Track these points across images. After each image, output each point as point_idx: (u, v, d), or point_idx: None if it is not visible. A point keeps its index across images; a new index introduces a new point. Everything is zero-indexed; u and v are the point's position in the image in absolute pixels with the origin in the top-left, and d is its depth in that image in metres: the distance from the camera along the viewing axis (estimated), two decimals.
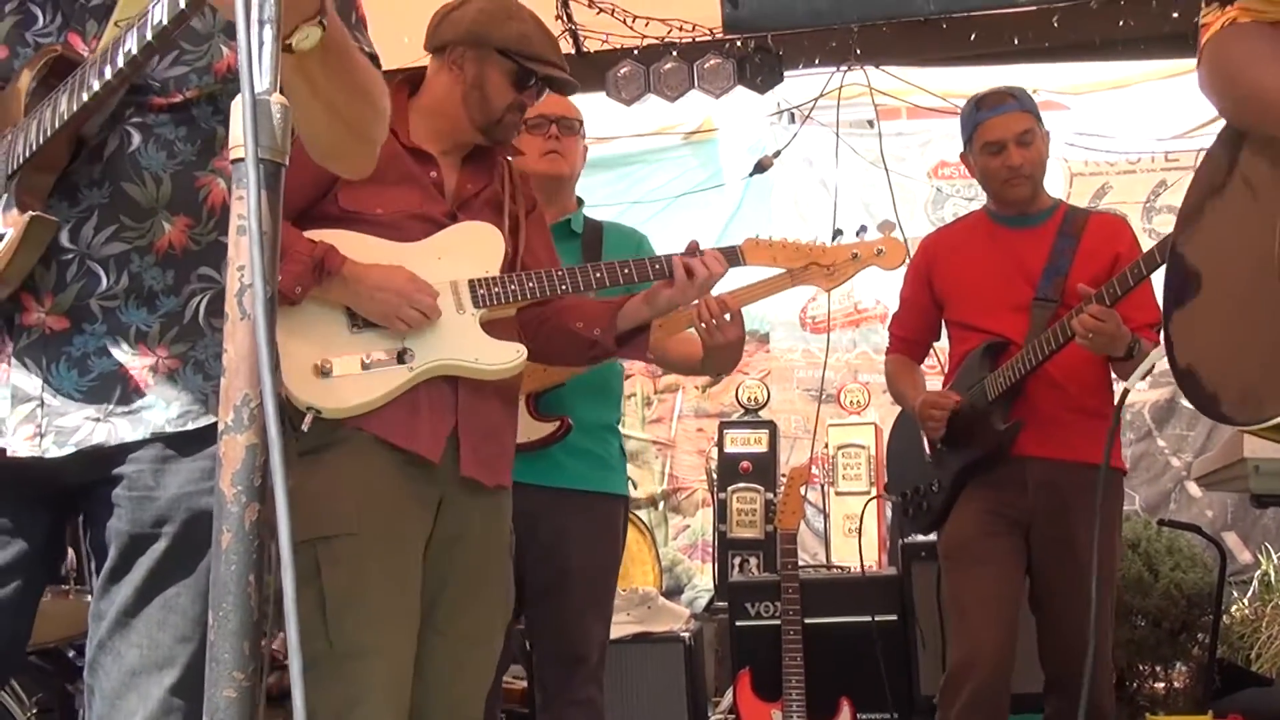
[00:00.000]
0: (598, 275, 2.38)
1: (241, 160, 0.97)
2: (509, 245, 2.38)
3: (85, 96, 1.36)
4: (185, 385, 1.53)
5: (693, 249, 2.41)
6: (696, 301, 2.45)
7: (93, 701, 1.53)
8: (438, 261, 2.27)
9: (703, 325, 2.48)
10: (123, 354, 1.51)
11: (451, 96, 2.38)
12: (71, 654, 3.44)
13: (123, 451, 1.51)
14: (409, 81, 2.45)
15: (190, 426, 1.52)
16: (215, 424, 1.45)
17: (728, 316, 2.47)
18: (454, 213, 2.34)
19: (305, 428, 2.11)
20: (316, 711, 2.04)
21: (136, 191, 1.50)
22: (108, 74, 1.33)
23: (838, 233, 2.61)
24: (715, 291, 2.46)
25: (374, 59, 1.63)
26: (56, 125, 1.41)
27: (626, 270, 2.39)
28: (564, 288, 2.35)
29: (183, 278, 1.54)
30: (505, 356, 2.28)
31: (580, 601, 2.99)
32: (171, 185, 1.52)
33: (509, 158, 2.50)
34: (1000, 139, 3.15)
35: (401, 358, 2.19)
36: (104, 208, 1.50)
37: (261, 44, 1.01)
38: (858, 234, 2.59)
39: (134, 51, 1.26)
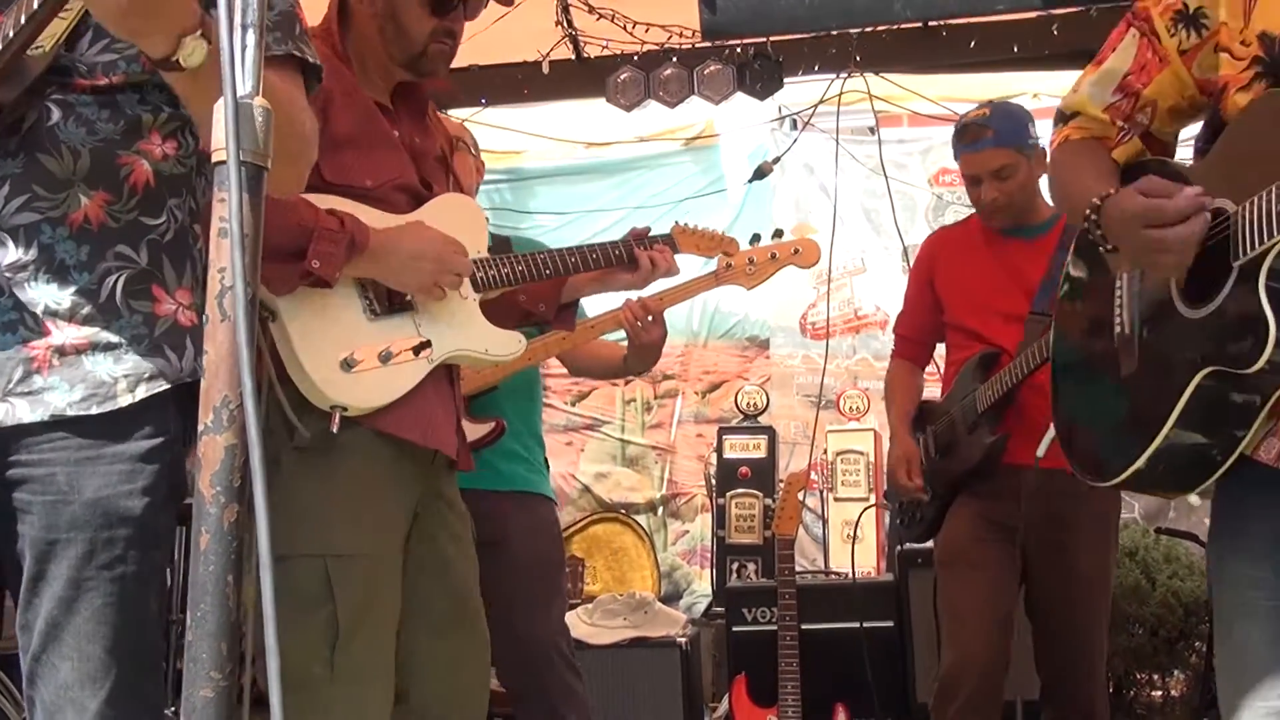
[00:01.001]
0: (573, 260, 2.43)
1: (223, 163, 0.97)
2: None
3: None
4: (93, 368, 1.48)
5: (640, 234, 2.53)
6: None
7: (34, 713, 1.49)
8: None
9: (630, 326, 2.78)
10: (29, 331, 1.47)
11: (370, 33, 2.17)
12: None
13: (21, 435, 1.46)
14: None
15: (95, 411, 1.47)
16: (128, 409, 1.45)
17: (650, 318, 2.76)
18: (425, 179, 2.23)
19: (335, 428, 1.98)
20: None
21: (52, 163, 1.47)
22: (22, 19, 1.31)
23: (755, 236, 2.73)
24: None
25: (316, 70, 1.59)
26: None
27: (595, 255, 2.46)
28: (548, 272, 2.38)
29: (97, 254, 1.50)
30: (511, 347, 2.24)
31: (529, 596, 3.01)
32: (90, 160, 1.49)
33: (471, 127, 2.44)
34: (976, 174, 3.19)
35: (419, 350, 2.09)
36: (16, 178, 1.47)
37: (245, 47, 1.01)
38: (774, 236, 2.72)
39: None
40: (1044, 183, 3.43)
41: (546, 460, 3.30)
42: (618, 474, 6.42)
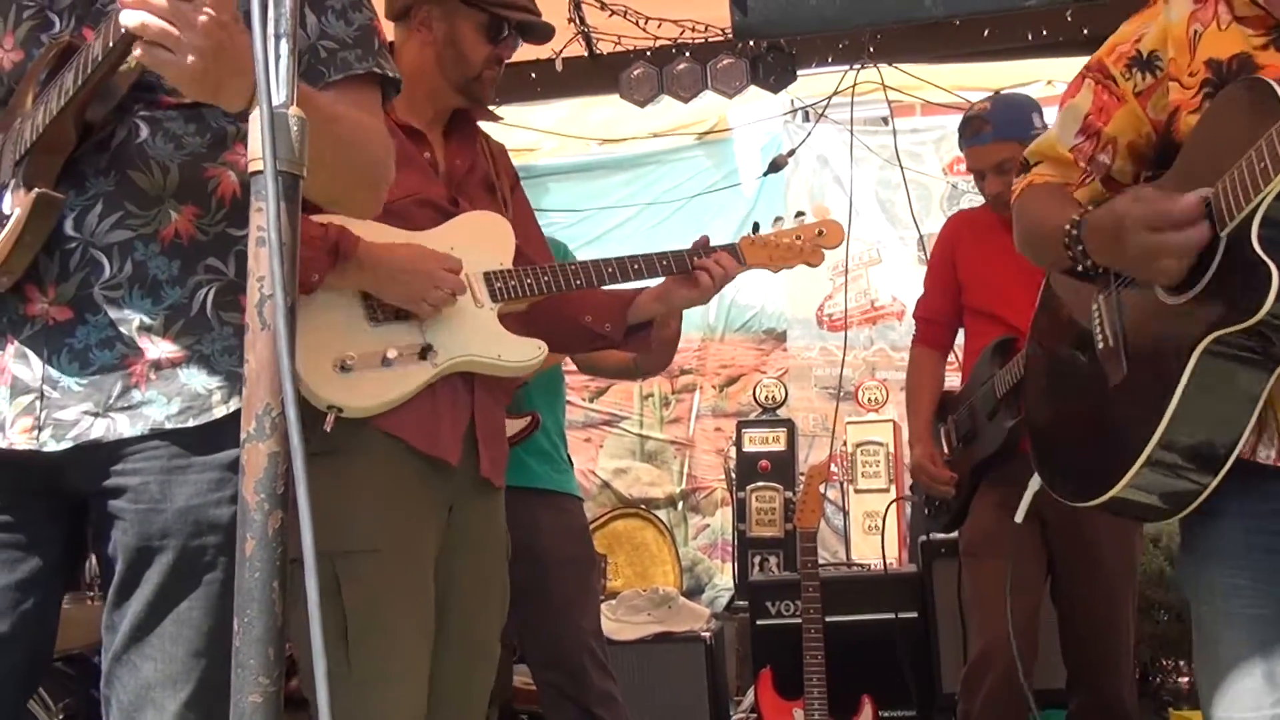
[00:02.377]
0: (609, 270, 2.35)
1: (260, 173, 0.98)
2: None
3: (89, 70, 1.36)
4: (188, 381, 1.51)
5: (703, 244, 2.41)
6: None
7: (109, 712, 1.54)
8: (451, 252, 2.20)
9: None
10: (125, 347, 1.50)
11: (425, 60, 2.29)
12: (96, 659, 3.47)
13: (122, 449, 1.50)
14: None
15: (191, 423, 1.50)
16: (221, 421, 1.49)
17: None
18: (454, 197, 2.28)
19: (328, 428, 2.02)
20: None
21: (143, 179, 1.49)
22: (111, 41, 1.32)
23: (777, 219, 2.64)
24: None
25: (395, 83, 1.64)
26: (62, 103, 1.40)
27: (636, 265, 2.36)
28: (578, 282, 2.32)
29: (189, 268, 1.53)
30: (527, 353, 2.24)
31: (562, 598, 3.02)
32: (179, 174, 1.51)
33: (484, 128, 2.44)
34: (978, 168, 3.22)
35: (424, 354, 2.12)
36: (109, 195, 1.50)
37: (278, 58, 1.02)
38: (796, 217, 2.64)
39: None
40: None
41: (570, 457, 3.31)
42: (637, 469, 6.43)
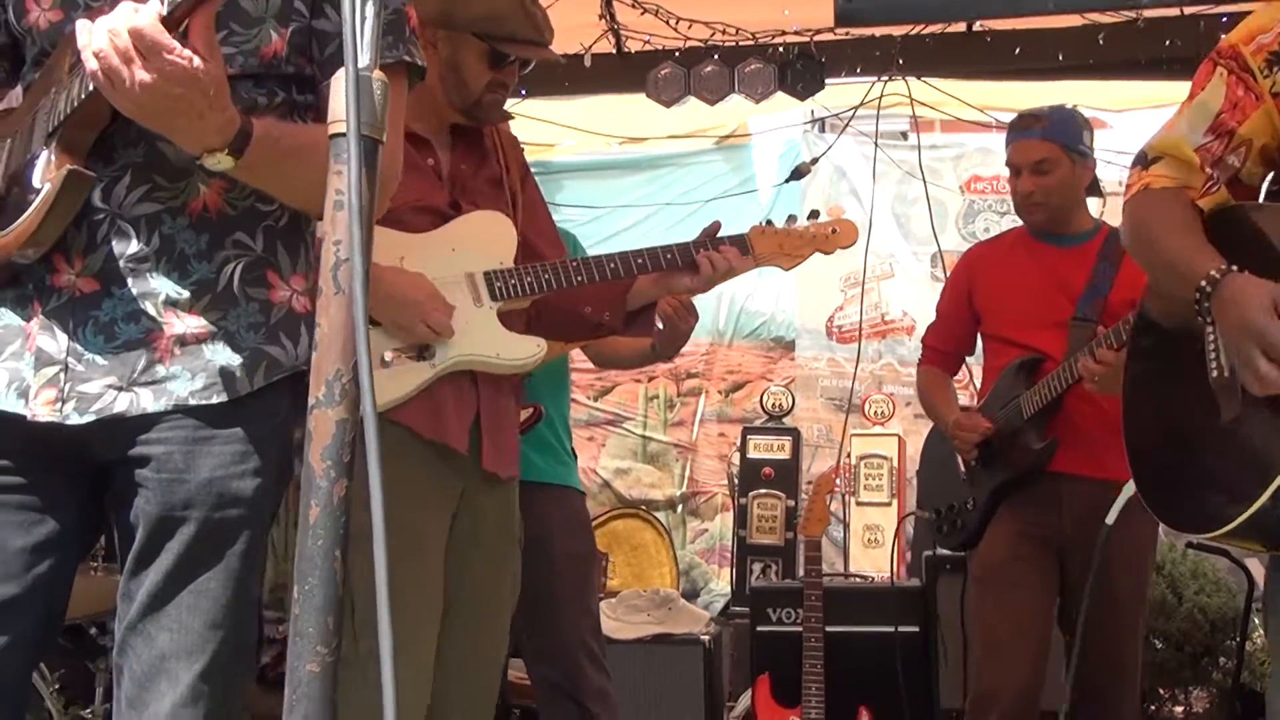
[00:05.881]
0: (611, 266, 2.33)
1: (342, 135, 0.97)
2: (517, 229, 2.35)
3: None
4: (213, 357, 1.50)
5: (713, 231, 2.40)
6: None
7: (121, 681, 1.52)
8: (451, 253, 2.23)
9: (667, 317, 2.70)
10: (151, 321, 1.49)
11: (430, 77, 2.25)
12: (94, 631, 3.45)
13: (146, 423, 1.49)
14: None
15: (215, 400, 1.50)
16: (243, 398, 1.49)
17: (684, 308, 2.71)
18: (455, 201, 2.29)
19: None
20: (340, 711, 1.99)
21: (171, 151, 1.48)
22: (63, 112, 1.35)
23: (791, 218, 2.62)
24: None
25: (421, 71, 1.62)
26: None
27: (640, 260, 2.34)
28: (579, 279, 2.31)
29: (216, 242, 1.52)
30: (525, 351, 2.26)
31: (564, 593, 3.01)
32: None
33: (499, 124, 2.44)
34: (1016, 164, 3.19)
35: (422, 355, 2.15)
36: (138, 167, 1.49)
37: (364, 19, 1.01)
38: (809, 217, 2.61)
39: None
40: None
41: (574, 449, 3.30)
42: (638, 470, 6.41)
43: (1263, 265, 1.60)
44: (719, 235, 2.38)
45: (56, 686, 3.26)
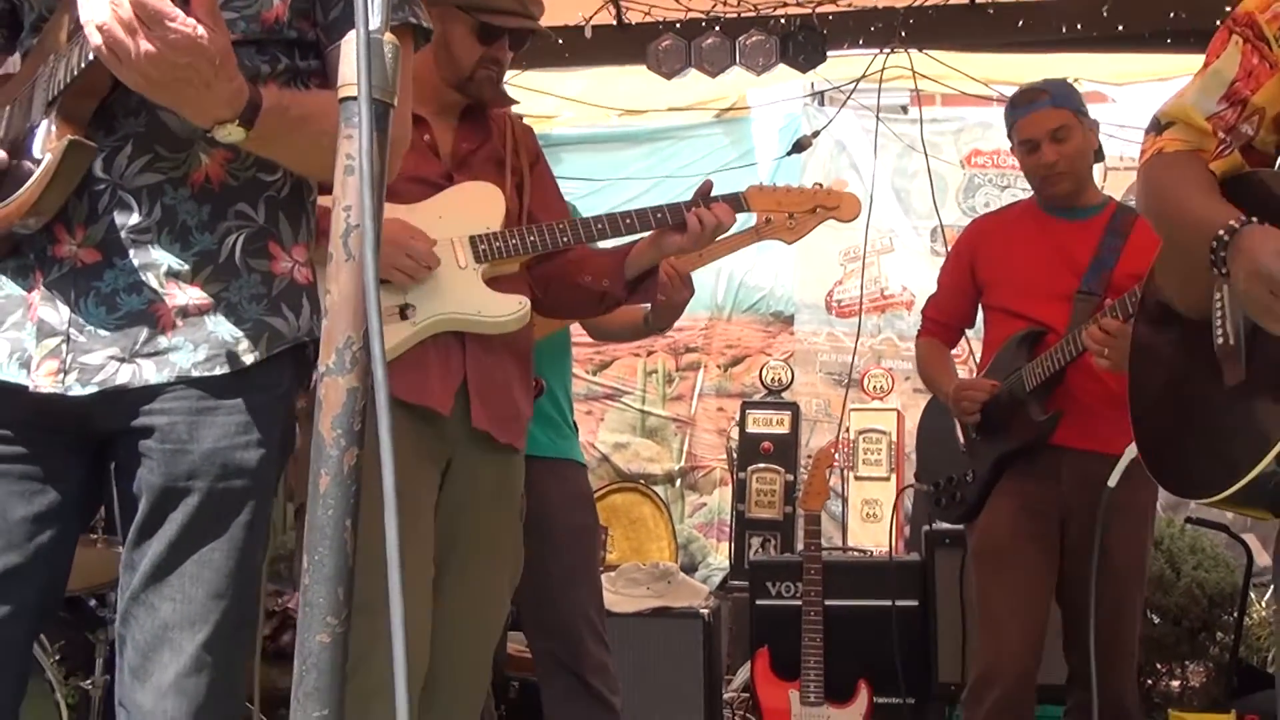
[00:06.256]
0: (599, 226, 2.33)
1: (353, 99, 0.95)
2: (512, 202, 2.34)
3: None
4: (215, 328, 1.49)
5: (708, 188, 2.39)
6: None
7: (124, 650, 1.52)
8: (439, 220, 2.22)
9: (662, 288, 2.62)
10: (153, 293, 1.48)
11: (422, 57, 2.25)
12: (93, 603, 3.45)
13: (149, 394, 1.48)
14: None
15: (217, 372, 1.49)
16: (246, 370, 1.48)
17: (680, 280, 2.69)
18: (450, 174, 2.29)
19: (313, 385, 2.04)
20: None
21: (173, 121, 1.46)
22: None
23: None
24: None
25: (426, 33, 1.60)
26: None
27: (629, 220, 2.34)
28: (565, 239, 2.31)
29: (218, 213, 1.51)
30: (508, 308, 2.24)
31: (564, 567, 3.00)
32: None
33: (506, 108, 2.43)
34: (1033, 137, 3.15)
35: (404, 313, 2.14)
36: (139, 136, 1.48)
37: None
38: (813, 186, 2.61)
39: None
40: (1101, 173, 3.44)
41: (575, 422, 3.29)
42: (637, 444, 6.42)
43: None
44: (713, 194, 2.38)
45: (57, 658, 3.26)
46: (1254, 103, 1.66)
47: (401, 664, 0.82)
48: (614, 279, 2.43)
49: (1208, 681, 4.34)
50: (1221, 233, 1.59)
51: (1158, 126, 1.78)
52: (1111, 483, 2.42)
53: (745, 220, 2.68)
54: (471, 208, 2.27)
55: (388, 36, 0.99)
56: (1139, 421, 1.86)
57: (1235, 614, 3.91)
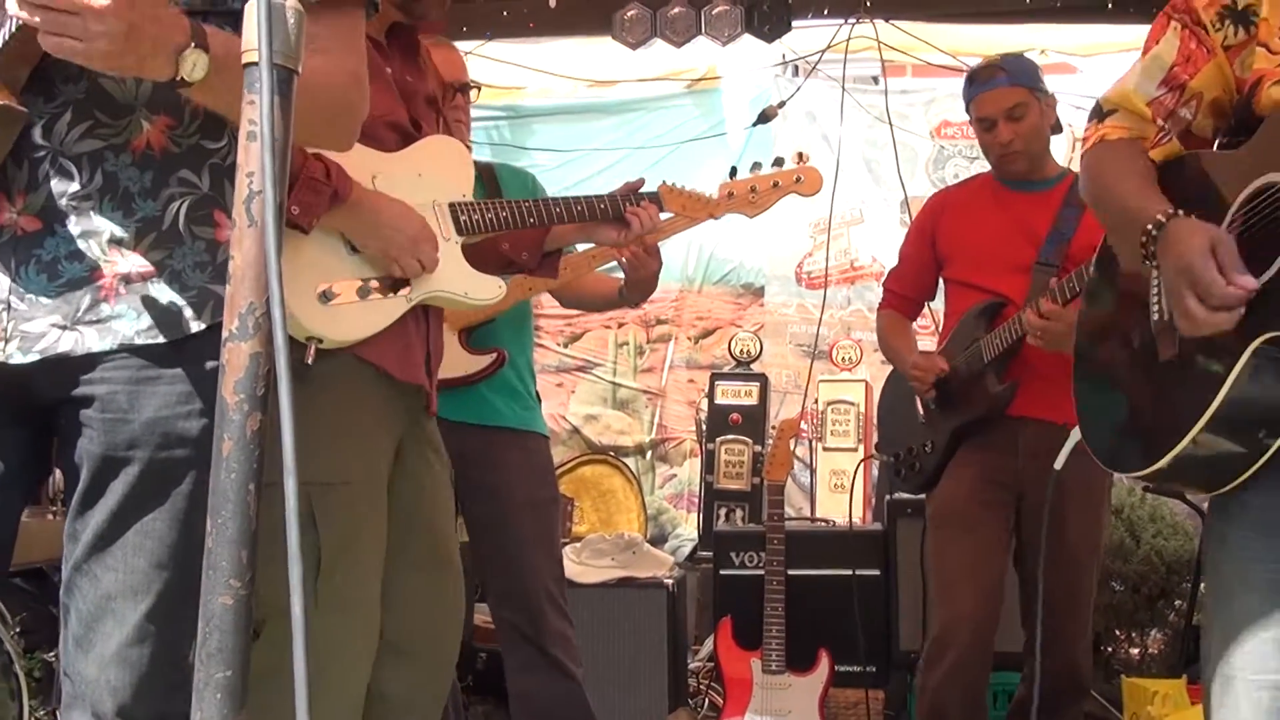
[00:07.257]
0: (557, 210, 2.42)
1: (254, 65, 0.95)
2: None
3: None
4: (158, 296, 1.48)
5: (634, 187, 2.52)
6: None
7: (69, 620, 1.52)
8: (418, 178, 2.19)
9: (629, 262, 2.87)
10: (95, 259, 1.47)
11: None
12: (56, 576, 3.44)
13: (90, 362, 1.47)
14: None
15: (161, 339, 1.47)
16: (190, 338, 1.47)
17: (647, 253, 2.82)
18: (415, 119, 2.24)
19: (309, 360, 1.98)
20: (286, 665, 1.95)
21: (114, 88, 1.45)
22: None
23: (756, 164, 2.68)
24: None
25: (374, 2, 1.59)
26: None
27: (579, 207, 2.44)
28: (532, 220, 2.36)
29: (161, 180, 1.49)
30: (490, 292, 2.24)
31: (524, 536, 3.01)
32: (152, 83, 1.46)
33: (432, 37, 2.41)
34: (989, 115, 3.17)
35: (397, 288, 2.11)
36: (79, 103, 1.46)
37: None
38: (774, 164, 2.66)
39: None
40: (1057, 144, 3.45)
41: (538, 393, 3.30)
42: (608, 416, 6.43)
43: (1208, 211, 1.63)
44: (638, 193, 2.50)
45: (17, 629, 3.26)
46: (1191, 87, 1.69)
47: (300, 646, 0.83)
48: (532, 252, 2.54)
49: (1166, 648, 4.39)
50: (1150, 227, 1.62)
51: (1100, 113, 1.81)
52: (1057, 465, 2.44)
53: (709, 193, 2.71)
54: (447, 170, 2.25)
55: (290, 2, 0.99)
56: (1080, 397, 1.89)
57: (1192, 581, 3.95)
